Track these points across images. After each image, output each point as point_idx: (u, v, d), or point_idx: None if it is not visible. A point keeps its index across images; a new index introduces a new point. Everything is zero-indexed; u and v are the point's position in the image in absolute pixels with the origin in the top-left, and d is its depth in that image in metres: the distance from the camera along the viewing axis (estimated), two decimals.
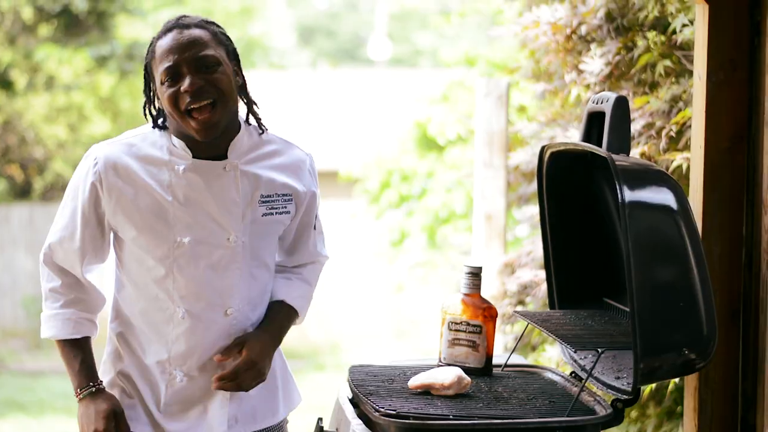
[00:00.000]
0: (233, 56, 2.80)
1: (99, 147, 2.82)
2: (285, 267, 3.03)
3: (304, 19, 27.08)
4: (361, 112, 17.00)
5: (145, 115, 2.84)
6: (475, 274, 2.96)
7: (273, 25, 25.62)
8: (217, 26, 2.79)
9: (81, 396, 2.82)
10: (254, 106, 2.86)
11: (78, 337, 2.85)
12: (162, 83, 2.71)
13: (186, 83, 2.68)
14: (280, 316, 2.92)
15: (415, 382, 2.75)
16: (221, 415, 2.87)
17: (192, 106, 2.69)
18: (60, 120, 14.33)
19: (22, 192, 14.64)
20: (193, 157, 2.78)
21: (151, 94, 2.81)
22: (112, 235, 2.86)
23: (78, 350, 2.85)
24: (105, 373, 2.92)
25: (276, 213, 2.85)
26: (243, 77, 2.82)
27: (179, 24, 2.74)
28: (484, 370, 2.94)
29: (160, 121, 2.82)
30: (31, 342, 12.60)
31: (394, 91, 16.60)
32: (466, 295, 2.96)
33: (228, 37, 2.81)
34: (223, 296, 2.82)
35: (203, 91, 2.69)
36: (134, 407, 2.88)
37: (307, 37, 26.91)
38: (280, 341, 2.91)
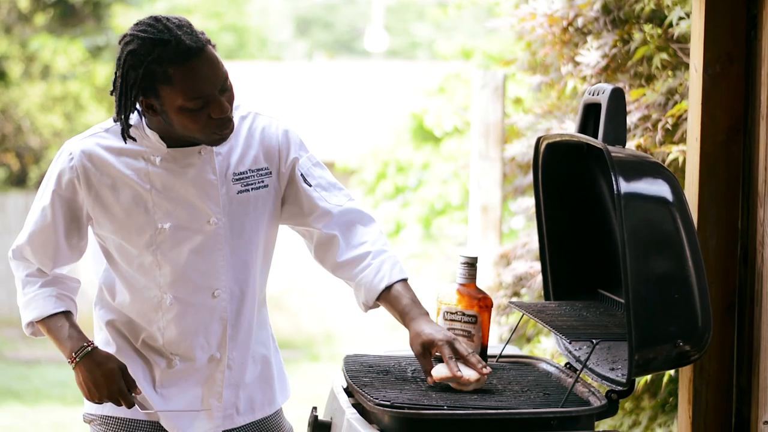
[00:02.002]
0: None
1: (72, 143, 2.80)
2: (356, 258, 2.87)
3: (301, 10, 27.05)
4: (358, 104, 16.99)
5: (121, 121, 2.72)
6: (471, 264, 2.95)
7: (270, 16, 25.59)
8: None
9: (77, 359, 2.75)
10: None
11: (62, 310, 2.81)
12: (184, 108, 2.64)
13: (217, 111, 2.65)
14: (400, 300, 2.82)
15: (439, 374, 2.70)
16: (218, 400, 2.86)
17: (218, 130, 2.68)
18: (56, 109, 14.32)
19: (18, 180, 14.64)
20: (168, 146, 2.77)
21: (133, 100, 2.68)
22: (91, 231, 2.85)
23: (63, 320, 2.81)
24: None
25: (252, 189, 2.83)
26: None
27: (196, 48, 2.62)
28: None
29: (131, 130, 2.74)
30: None
31: (390, 82, 16.59)
32: (461, 285, 2.95)
33: None
34: (209, 279, 2.81)
35: (229, 116, 2.69)
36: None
37: (304, 29, 26.88)
38: (423, 308, 2.80)
